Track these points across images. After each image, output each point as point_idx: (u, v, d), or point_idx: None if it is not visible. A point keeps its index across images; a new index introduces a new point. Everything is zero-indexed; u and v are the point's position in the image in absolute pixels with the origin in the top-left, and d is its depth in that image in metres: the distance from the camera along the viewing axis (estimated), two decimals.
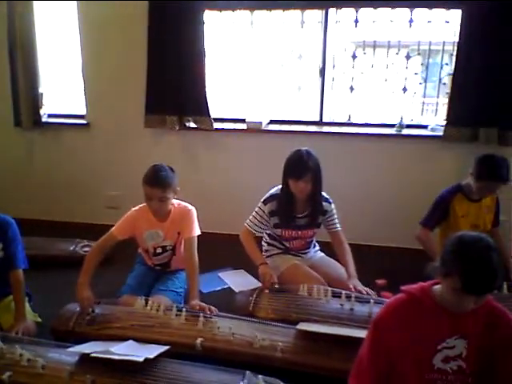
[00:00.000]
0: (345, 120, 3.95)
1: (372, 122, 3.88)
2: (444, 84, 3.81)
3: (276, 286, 2.74)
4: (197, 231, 2.86)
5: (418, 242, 3.07)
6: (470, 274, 1.47)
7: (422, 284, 1.70)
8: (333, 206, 2.90)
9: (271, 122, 3.99)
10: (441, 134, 3.58)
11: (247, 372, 2.15)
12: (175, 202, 2.86)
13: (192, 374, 2.14)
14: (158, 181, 2.67)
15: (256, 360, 2.31)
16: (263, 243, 3.07)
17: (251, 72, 4.14)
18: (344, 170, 3.76)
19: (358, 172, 3.80)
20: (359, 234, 3.72)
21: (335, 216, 2.93)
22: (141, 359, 2.06)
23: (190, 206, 2.88)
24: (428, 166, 3.69)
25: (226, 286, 3.31)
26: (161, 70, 3.67)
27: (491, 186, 2.87)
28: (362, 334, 2.29)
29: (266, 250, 3.07)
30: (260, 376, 2.15)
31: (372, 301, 2.60)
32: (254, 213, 2.89)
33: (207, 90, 3.73)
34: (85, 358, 2.18)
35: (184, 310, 2.54)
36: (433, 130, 3.70)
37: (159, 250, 2.90)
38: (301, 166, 2.69)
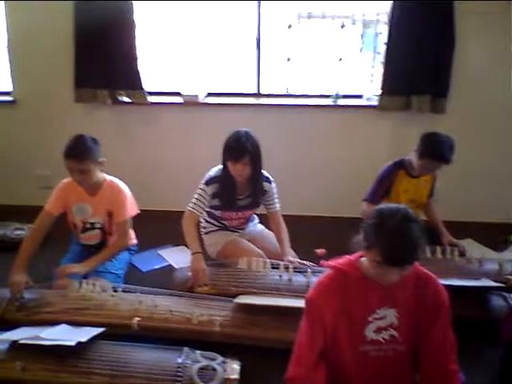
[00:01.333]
0: (282, 92, 3.92)
1: (309, 93, 3.87)
2: (379, 54, 3.83)
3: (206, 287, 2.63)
4: (131, 212, 2.79)
5: (363, 217, 3.06)
6: (388, 247, 1.47)
7: (349, 258, 1.70)
8: (273, 185, 2.86)
9: (208, 94, 3.90)
10: (376, 103, 3.61)
11: (185, 348, 2.14)
12: (108, 178, 2.76)
13: (128, 355, 2.11)
14: (73, 152, 2.55)
15: (195, 336, 2.31)
16: (201, 219, 3.01)
17: (186, 43, 4.02)
18: (282, 142, 3.75)
19: (296, 143, 3.80)
20: (299, 205, 3.74)
21: (275, 196, 2.89)
22: (73, 343, 2.00)
23: (121, 185, 2.78)
24: (364, 136, 3.73)
25: (166, 264, 3.26)
26: (88, 42, 3.50)
27: (433, 165, 2.87)
28: (299, 303, 2.32)
29: (204, 227, 3.02)
30: (198, 351, 2.15)
31: (309, 270, 2.62)
32: (196, 195, 2.77)
33: (139, 62, 3.59)
34: (14, 345, 2.09)
35: (120, 289, 2.48)
36: (368, 99, 3.73)
37: (88, 226, 2.79)
38: (239, 149, 2.62)
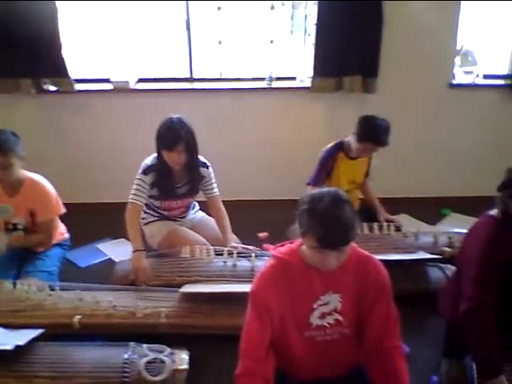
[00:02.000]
0: (216, 76, 3.86)
1: (243, 77, 3.84)
2: (309, 35, 3.84)
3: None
4: (56, 211, 2.68)
5: None
6: (322, 231, 1.47)
7: (290, 246, 1.70)
8: (210, 170, 2.82)
9: (139, 80, 3.78)
10: (309, 85, 3.64)
11: (131, 343, 2.09)
12: (29, 175, 2.61)
13: (72, 354, 2.04)
14: None
15: (141, 329, 2.26)
16: None
17: (115, 28, 3.87)
18: (217, 127, 3.70)
19: (232, 127, 3.76)
20: (238, 190, 3.72)
21: (213, 181, 2.85)
22: (10, 347, 1.90)
23: (44, 183, 2.63)
24: (299, 117, 3.74)
25: (105, 258, 3.15)
26: (7, 28, 3.28)
27: (371, 148, 2.93)
28: (245, 288, 2.31)
29: (143, 218, 2.93)
30: (144, 345, 2.10)
31: (254, 255, 2.62)
32: (135, 186, 2.68)
33: (64, 48, 3.41)
34: None
35: (58, 288, 2.37)
36: (301, 81, 3.74)
37: (10, 227, 2.64)
38: (172, 137, 2.55)
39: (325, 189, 1.57)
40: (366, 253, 1.70)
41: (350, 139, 2.95)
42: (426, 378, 2.12)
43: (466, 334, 1.87)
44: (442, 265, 2.75)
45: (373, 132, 2.83)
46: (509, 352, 1.78)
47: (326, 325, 1.67)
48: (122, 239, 3.26)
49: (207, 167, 2.80)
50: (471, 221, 2.08)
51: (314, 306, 1.65)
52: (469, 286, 1.88)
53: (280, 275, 1.64)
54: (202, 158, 2.77)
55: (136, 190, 2.67)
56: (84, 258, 3.09)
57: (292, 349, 1.68)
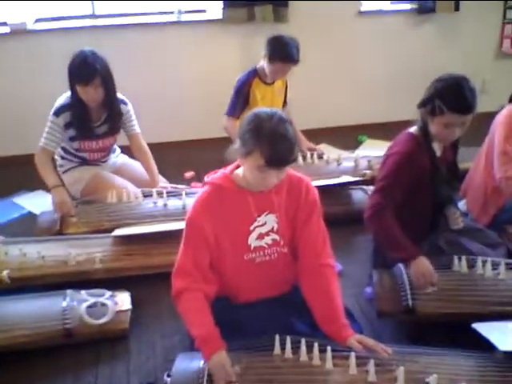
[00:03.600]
0: (120, 11, 3.63)
1: (150, 11, 3.65)
2: None
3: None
4: None
5: (226, 133, 3.05)
6: (270, 149, 1.48)
7: (223, 171, 1.70)
8: (129, 106, 2.70)
9: (37, 20, 3.48)
10: (220, 17, 3.54)
11: (68, 291, 2.03)
12: None
13: (6, 309, 1.95)
14: None
15: (76, 277, 2.19)
16: (56, 157, 2.77)
17: None
18: (127, 66, 3.51)
19: (142, 66, 3.59)
20: (159, 131, 3.60)
21: (133, 117, 2.73)
22: None
23: None
24: (212, 51, 3.64)
25: (25, 212, 2.97)
26: None
27: (284, 68, 2.92)
28: (178, 225, 2.30)
29: (61, 165, 2.79)
30: (82, 291, 2.05)
31: (184, 193, 2.59)
32: (46, 129, 2.53)
33: None
34: None
35: None
36: (212, 13, 3.63)
37: None
38: (86, 70, 2.39)
39: (268, 109, 1.57)
40: (297, 174, 1.74)
41: (263, 63, 2.95)
42: (360, 292, 2.25)
43: (375, 238, 2.06)
44: (364, 187, 2.88)
45: (282, 49, 2.84)
46: None
47: (265, 245, 1.70)
48: (40, 191, 3.09)
49: (125, 104, 2.68)
50: (386, 145, 2.17)
51: (251, 227, 1.67)
52: (373, 195, 2.02)
53: (215, 200, 1.65)
54: (119, 95, 2.64)
55: (47, 133, 2.53)
56: (1, 213, 2.90)
57: (231, 273, 1.71)
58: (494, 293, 1.88)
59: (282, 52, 2.83)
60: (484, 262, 1.97)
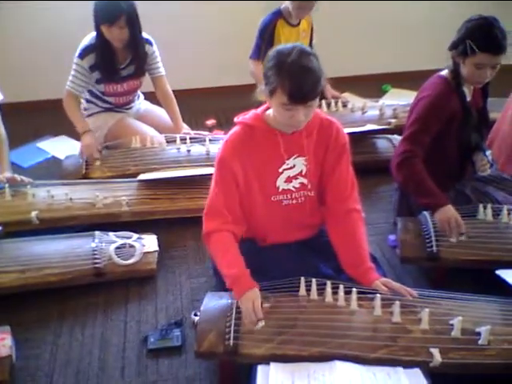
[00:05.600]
0: None
1: None
2: None
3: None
4: None
5: (252, 77, 3.01)
6: (292, 82, 1.44)
7: (255, 111, 1.68)
8: (155, 47, 2.65)
9: None
10: None
11: (96, 232, 2.08)
12: None
13: (37, 248, 2.01)
14: None
15: (103, 219, 2.23)
16: (82, 100, 2.75)
17: None
18: (147, 10, 3.43)
19: (164, 10, 3.52)
20: (182, 78, 3.53)
21: (158, 59, 2.69)
22: None
23: None
24: None
25: (49, 156, 3.01)
26: None
27: (306, 4, 2.85)
28: (202, 171, 2.33)
29: (86, 109, 2.78)
30: (111, 233, 2.10)
31: (207, 139, 2.59)
32: (72, 71, 2.52)
33: None
34: None
35: (6, 186, 2.26)
36: None
37: None
38: (112, 9, 2.34)
39: (290, 44, 1.53)
40: (328, 116, 1.72)
41: (287, 3, 2.88)
42: (383, 239, 2.27)
43: (403, 185, 2.04)
44: (389, 136, 2.85)
45: None
46: None
47: (292, 189, 1.71)
48: (63, 136, 3.12)
49: (151, 44, 2.64)
50: (411, 94, 2.14)
51: (280, 169, 1.68)
52: (402, 142, 2.00)
53: (245, 141, 1.64)
54: (145, 35, 2.59)
55: (73, 76, 2.52)
56: (26, 157, 2.94)
57: (259, 214, 1.73)
58: None
59: None
60: (509, 211, 1.97)
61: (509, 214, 1.96)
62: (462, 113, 1.95)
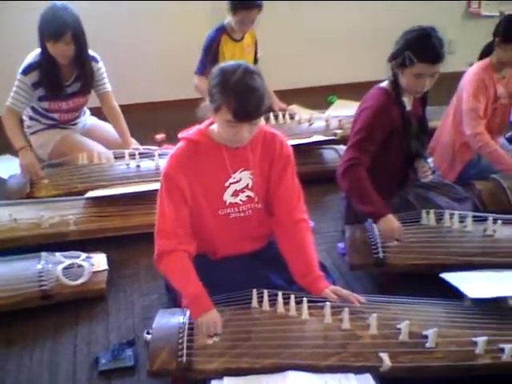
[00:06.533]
0: None
1: None
2: None
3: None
4: None
5: (197, 92, 3.01)
6: (237, 101, 1.46)
7: (199, 127, 1.69)
8: (101, 64, 2.63)
9: None
10: None
11: (42, 253, 2.02)
12: None
13: None
14: None
15: (49, 239, 2.18)
16: (25, 118, 2.69)
17: None
18: (95, 24, 3.40)
19: (111, 25, 3.50)
20: (129, 92, 3.53)
21: (104, 75, 2.66)
22: None
23: None
24: (178, 9, 3.57)
25: None
26: None
27: (248, 16, 2.87)
28: (152, 186, 2.30)
29: (29, 126, 2.72)
30: (57, 253, 2.04)
31: (157, 154, 2.58)
32: (14, 88, 2.46)
33: None
34: None
35: None
36: None
37: None
38: (57, 25, 2.31)
39: (233, 61, 1.55)
40: (271, 129, 1.75)
41: (229, 18, 2.91)
42: (332, 247, 2.32)
43: (347, 193, 2.09)
44: (336, 146, 2.92)
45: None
46: None
47: (239, 202, 1.72)
48: (7, 155, 3.02)
49: (97, 61, 2.61)
50: (356, 105, 2.19)
51: (226, 184, 1.69)
52: (347, 151, 2.05)
53: (190, 156, 1.64)
54: (90, 52, 2.56)
55: (15, 92, 2.46)
56: None
57: (208, 228, 1.73)
58: (460, 244, 1.96)
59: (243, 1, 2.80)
60: (451, 215, 2.04)
61: (451, 218, 2.04)
62: (402, 122, 2.02)
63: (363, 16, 3.90)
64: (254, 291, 1.65)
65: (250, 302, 1.64)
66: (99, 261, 2.05)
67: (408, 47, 1.91)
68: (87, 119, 2.90)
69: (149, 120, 3.49)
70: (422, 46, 1.89)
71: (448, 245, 1.95)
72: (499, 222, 2.02)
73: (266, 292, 1.64)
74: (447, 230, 2.02)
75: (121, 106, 2.81)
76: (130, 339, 1.81)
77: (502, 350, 1.50)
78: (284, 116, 3.03)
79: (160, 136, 3.28)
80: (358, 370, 1.45)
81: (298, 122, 3.03)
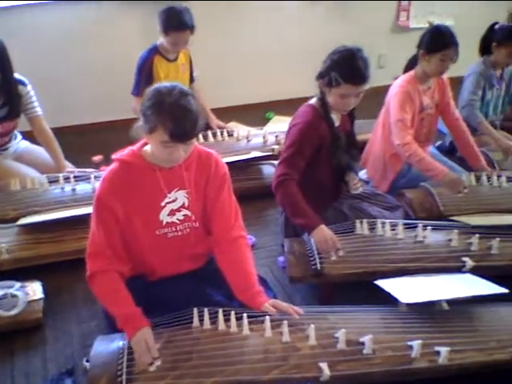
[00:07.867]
0: None
1: None
2: None
3: None
4: None
5: (134, 113, 2.97)
6: (173, 123, 1.48)
7: (132, 148, 1.68)
8: (29, 87, 2.57)
9: None
10: None
11: None
12: None
13: None
14: None
15: None
16: None
17: None
18: (21, 48, 3.32)
19: (39, 47, 3.43)
20: (61, 115, 3.47)
21: (33, 99, 2.60)
22: None
23: None
24: (110, 29, 3.55)
25: None
26: None
27: (180, 37, 2.88)
28: (85, 210, 2.26)
29: None
30: None
31: (93, 176, 2.54)
32: None
33: None
34: None
35: None
36: None
37: None
38: None
39: (168, 83, 1.56)
40: (205, 149, 1.77)
41: (162, 39, 2.92)
42: (273, 261, 2.35)
43: (282, 207, 2.14)
44: (274, 161, 2.96)
45: (175, 18, 2.82)
46: None
47: (176, 221, 1.72)
48: None
49: (25, 84, 2.55)
50: None
51: (162, 204, 1.69)
52: (278, 166, 2.09)
53: (123, 177, 1.64)
54: (17, 76, 2.50)
55: None
56: None
57: (145, 249, 1.72)
58: (394, 251, 2.03)
59: (175, 21, 2.81)
60: (383, 224, 2.12)
61: (383, 226, 2.11)
62: (331, 138, 2.08)
63: (299, 32, 3.98)
64: (195, 310, 1.64)
65: (192, 322, 1.64)
66: (34, 289, 2.00)
67: (334, 68, 1.95)
68: (19, 143, 2.82)
69: (85, 142, 3.44)
70: (347, 68, 1.92)
71: (382, 253, 2.02)
72: (429, 228, 2.12)
73: (206, 310, 1.64)
74: (380, 239, 2.09)
75: (54, 128, 2.76)
76: (69, 368, 1.78)
77: (438, 353, 1.56)
78: (222, 133, 3.06)
79: (97, 157, 3.23)
80: (300, 382, 1.48)
81: (237, 138, 3.06)
